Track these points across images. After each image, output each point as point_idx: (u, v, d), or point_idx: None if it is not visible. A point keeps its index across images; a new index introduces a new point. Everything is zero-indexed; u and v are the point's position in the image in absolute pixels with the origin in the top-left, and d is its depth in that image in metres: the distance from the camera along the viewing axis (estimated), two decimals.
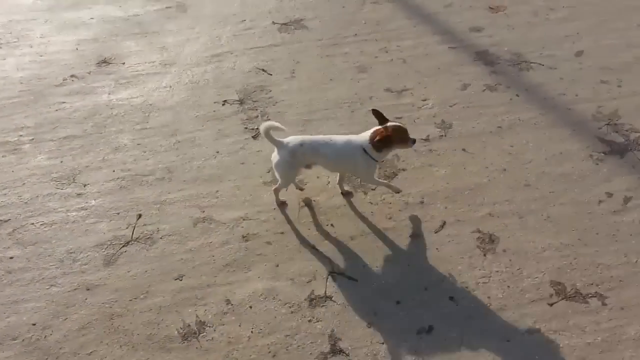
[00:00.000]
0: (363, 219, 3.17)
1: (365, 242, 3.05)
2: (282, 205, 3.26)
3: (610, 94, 3.84)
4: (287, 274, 2.92)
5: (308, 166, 3.11)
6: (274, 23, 4.82)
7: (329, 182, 3.38)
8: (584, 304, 2.68)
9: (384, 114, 2.93)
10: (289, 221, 3.19)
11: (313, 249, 3.03)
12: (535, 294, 2.74)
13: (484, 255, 2.93)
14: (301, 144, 2.93)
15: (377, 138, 2.82)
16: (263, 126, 2.88)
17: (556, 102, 3.81)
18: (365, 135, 2.90)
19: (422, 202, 3.23)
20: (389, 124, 2.89)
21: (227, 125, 3.85)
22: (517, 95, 3.89)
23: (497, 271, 2.85)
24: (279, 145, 2.96)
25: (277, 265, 2.97)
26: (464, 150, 3.53)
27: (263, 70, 4.31)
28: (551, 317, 2.64)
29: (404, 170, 3.44)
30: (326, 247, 3.03)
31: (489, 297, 2.74)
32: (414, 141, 2.93)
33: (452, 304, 2.73)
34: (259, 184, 3.42)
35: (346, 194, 3.28)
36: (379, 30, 4.64)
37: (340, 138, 2.96)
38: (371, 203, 3.26)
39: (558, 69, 4.07)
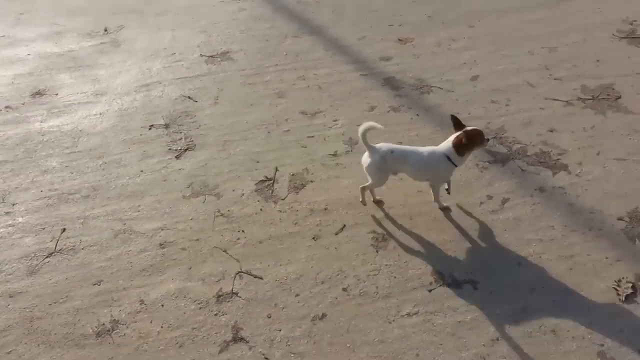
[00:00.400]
0: (272, 225, 3.49)
1: (272, 245, 3.36)
2: (379, 203, 3.51)
3: (499, 112, 4.31)
4: (198, 275, 3.20)
5: (394, 172, 3.34)
6: (201, 55, 5.20)
7: (242, 194, 3.70)
8: (459, 289, 3.04)
9: (461, 120, 3.22)
10: (204, 229, 3.48)
11: (224, 252, 3.32)
12: (417, 282, 3.08)
13: (377, 251, 3.27)
14: (392, 151, 3.20)
15: (463, 142, 3.09)
16: (362, 127, 3.12)
17: (449, 119, 4.25)
18: (447, 144, 3.17)
19: (326, 209, 3.57)
20: (467, 128, 3.16)
21: (152, 147, 4.15)
22: (417, 115, 4.32)
23: (387, 265, 3.19)
24: (372, 149, 3.23)
25: (190, 268, 3.24)
26: None
27: (189, 97, 4.65)
28: (429, 301, 2.98)
29: (311, 182, 3.79)
30: (236, 251, 3.33)
31: (377, 287, 3.07)
32: (488, 140, 3.23)
33: (344, 294, 3.05)
34: (179, 198, 3.71)
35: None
36: (299, 61, 5.06)
37: (424, 149, 3.24)
38: (280, 211, 3.58)
39: (455, 92, 4.54)
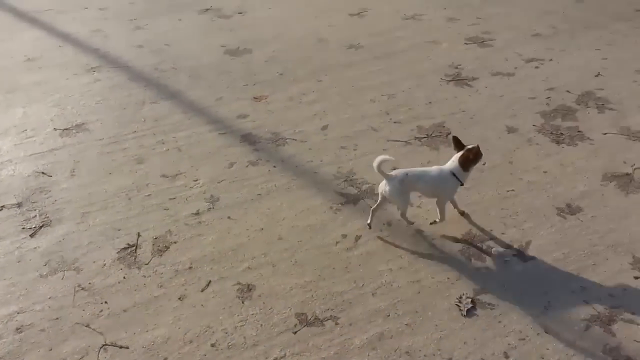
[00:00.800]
0: (136, 291, 3.48)
1: (137, 312, 3.34)
2: (411, 224, 3.86)
3: (348, 156, 4.68)
4: (60, 356, 3.10)
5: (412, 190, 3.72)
6: (55, 129, 5.12)
7: (104, 264, 3.67)
8: (321, 326, 3.23)
9: (460, 140, 3.68)
10: (64, 306, 3.39)
11: (86, 327, 3.25)
12: (283, 326, 3.23)
13: (242, 302, 3.39)
14: (406, 174, 3.60)
15: (470, 158, 3.58)
16: (376, 161, 3.46)
17: (305, 168, 4.55)
18: (452, 163, 3.62)
19: (190, 267, 3.64)
20: (469, 146, 3.61)
21: (3, 228, 3.98)
22: (275, 167, 4.57)
23: (253, 314, 3.31)
24: (389, 177, 3.59)
25: (51, 349, 3.13)
26: (229, 217, 4.06)
27: (43, 173, 4.54)
28: (295, 343, 3.13)
29: (175, 243, 3.84)
30: (99, 324, 3.28)
31: (245, 337, 3.17)
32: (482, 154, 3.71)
33: (213, 350, 3.11)
34: (36, 278, 3.59)
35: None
36: (158, 126, 5.16)
37: (433, 169, 3.68)
38: (144, 276, 3.59)
39: (308, 142, 4.87)
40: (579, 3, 7.44)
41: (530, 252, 3.63)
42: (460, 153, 3.65)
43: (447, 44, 6.48)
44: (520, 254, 3.62)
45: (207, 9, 7.95)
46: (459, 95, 5.46)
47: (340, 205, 4.14)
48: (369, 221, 3.86)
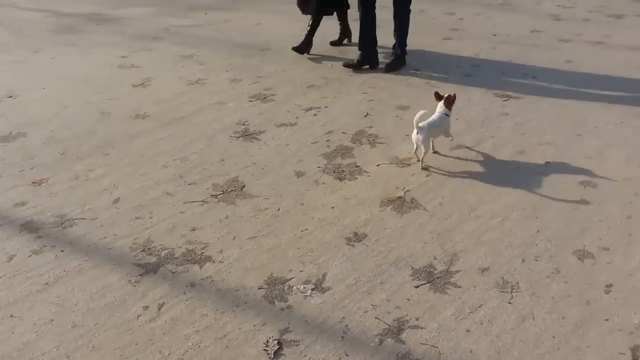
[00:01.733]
0: None
1: None
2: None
3: (144, 225, 4.55)
4: None
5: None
6: None
7: None
8: None
9: (439, 93, 5.34)
10: None
11: None
12: None
13: None
14: (429, 124, 5.02)
15: (452, 99, 5.23)
16: (417, 115, 4.87)
17: (98, 246, 4.31)
18: (441, 109, 5.21)
19: None
20: (446, 95, 5.23)
21: None
22: (62, 251, 4.25)
23: None
24: (421, 128, 4.95)
25: None
26: (11, 316, 3.64)
27: None
28: None
29: None
30: None
31: None
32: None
33: None
34: None
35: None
36: None
37: (434, 117, 5.16)
38: None
39: (98, 218, 4.63)
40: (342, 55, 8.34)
41: (327, 283, 3.85)
42: (443, 100, 5.22)
43: (233, 103, 6.76)
44: (318, 287, 3.82)
45: None
46: (248, 149, 5.69)
47: (139, 276, 3.98)
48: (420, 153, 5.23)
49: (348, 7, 8.34)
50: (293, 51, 8.21)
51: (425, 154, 5.14)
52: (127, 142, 5.92)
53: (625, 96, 6.50)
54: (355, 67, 7.69)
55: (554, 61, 7.64)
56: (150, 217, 4.66)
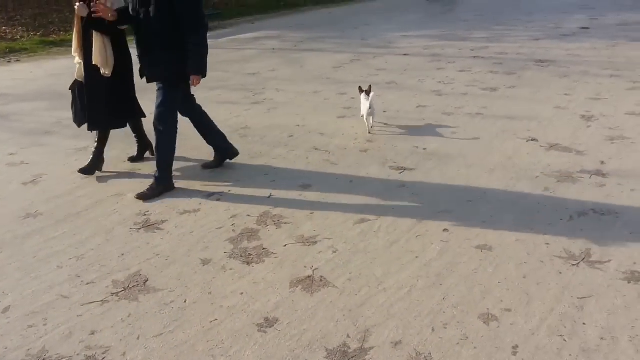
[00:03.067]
0: None
1: None
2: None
3: (38, 334, 4.21)
4: None
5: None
6: None
7: None
8: None
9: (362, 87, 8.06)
10: None
11: None
12: None
13: None
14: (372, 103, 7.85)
15: (369, 89, 8.02)
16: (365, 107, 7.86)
17: None
18: (372, 95, 7.93)
19: None
20: (366, 89, 8.03)
21: None
22: None
23: None
24: (372, 104, 7.86)
25: None
26: None
27: None
28: None
29: None
30: None
31: None
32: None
33: None
34: None
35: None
36: None
37: (371, 96, 7.92)
38: None
39: None
40: (241, 138, 8.46)
41: None
42: (366, 90, 8.01)
43: (132, 194, 6.57)
44: None
45: None
46: (151, 241, 5.52)
47: None
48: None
49: (143, 115, 7.31)
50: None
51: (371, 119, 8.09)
52: (17, 244, 5.55)
53: (508, 160, 7.10)
54: (218, 165, 7.22)
55: (441, 132, 8.24)
56: (45, 324, 4.33)
